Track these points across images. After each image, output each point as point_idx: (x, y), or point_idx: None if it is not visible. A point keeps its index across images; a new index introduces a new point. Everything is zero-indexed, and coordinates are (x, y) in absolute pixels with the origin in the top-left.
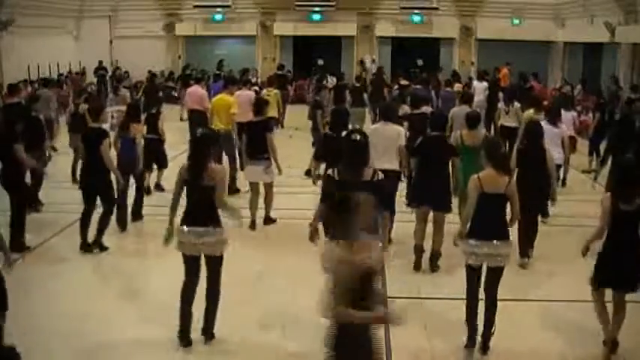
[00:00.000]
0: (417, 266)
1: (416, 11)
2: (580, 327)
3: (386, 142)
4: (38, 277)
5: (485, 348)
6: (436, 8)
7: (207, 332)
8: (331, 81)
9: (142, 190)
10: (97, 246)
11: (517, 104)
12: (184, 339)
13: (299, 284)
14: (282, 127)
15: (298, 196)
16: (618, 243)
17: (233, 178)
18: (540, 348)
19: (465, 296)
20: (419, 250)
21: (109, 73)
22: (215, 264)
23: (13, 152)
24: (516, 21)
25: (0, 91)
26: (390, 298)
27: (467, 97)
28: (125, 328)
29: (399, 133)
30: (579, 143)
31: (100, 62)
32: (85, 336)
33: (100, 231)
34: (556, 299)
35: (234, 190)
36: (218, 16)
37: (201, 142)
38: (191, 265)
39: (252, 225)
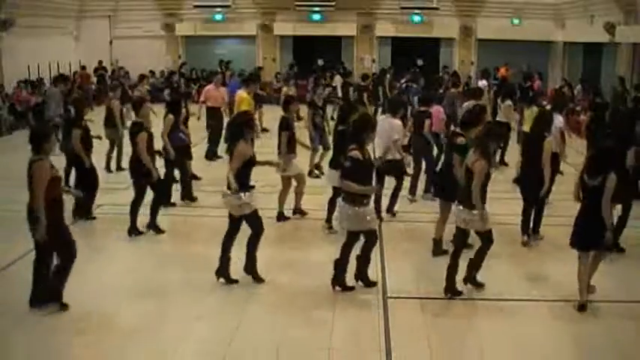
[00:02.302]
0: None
1: (416, 11)
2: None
3: (384, 135)
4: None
5: None
6: (436, 8)
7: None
8: (337, 80)
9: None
10: (153, 228)
11: (508, 102)
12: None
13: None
14: None
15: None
16: (584, 211)
17: None
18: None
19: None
20: (436, 242)
21: (109, 73)
22: None
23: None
24: (516, 21)
25: (0, 91)
26: (390, 297)
27: (474, 93)
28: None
29: (393, 126)
30: (578, 143)
31: (100, 62)
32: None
33: (152, 215)
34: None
35: None
36: (218, 16)
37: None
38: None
39: (279, 216)
